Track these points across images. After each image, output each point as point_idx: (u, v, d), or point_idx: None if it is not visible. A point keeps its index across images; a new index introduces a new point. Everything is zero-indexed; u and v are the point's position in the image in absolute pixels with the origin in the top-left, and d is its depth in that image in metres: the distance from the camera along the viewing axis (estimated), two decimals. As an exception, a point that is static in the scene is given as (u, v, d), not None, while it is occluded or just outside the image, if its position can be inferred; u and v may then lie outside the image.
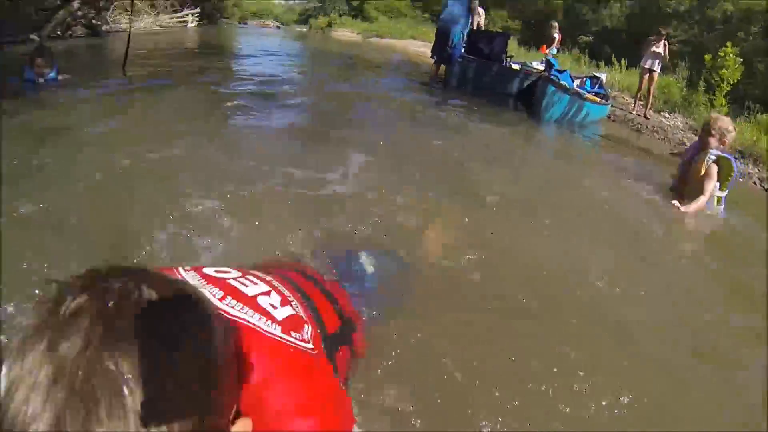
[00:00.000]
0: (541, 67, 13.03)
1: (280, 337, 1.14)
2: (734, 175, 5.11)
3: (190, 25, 36.78)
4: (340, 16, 55.09)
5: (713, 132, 5.23)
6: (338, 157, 5.38)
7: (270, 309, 1.19)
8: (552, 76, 10.77)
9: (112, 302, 0.72)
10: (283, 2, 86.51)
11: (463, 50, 12.15)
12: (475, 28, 12.42)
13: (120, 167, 4.83)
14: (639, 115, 13.89)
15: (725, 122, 5.23)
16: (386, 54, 21.74)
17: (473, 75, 11.69)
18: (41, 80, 8.31)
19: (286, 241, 3.56)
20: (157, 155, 5.17)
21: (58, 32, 21.34)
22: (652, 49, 13.29)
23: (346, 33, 42.60)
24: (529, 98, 10.47)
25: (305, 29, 54.11)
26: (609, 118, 13.27)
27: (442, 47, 12.36)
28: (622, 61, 21.38)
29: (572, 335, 3.08)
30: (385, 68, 15.45)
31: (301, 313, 1.30)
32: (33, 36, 19.69)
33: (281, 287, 1.34)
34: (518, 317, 3.18)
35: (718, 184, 5.15)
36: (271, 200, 4.36)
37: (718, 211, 5.31)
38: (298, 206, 4.27)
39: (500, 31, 28.31)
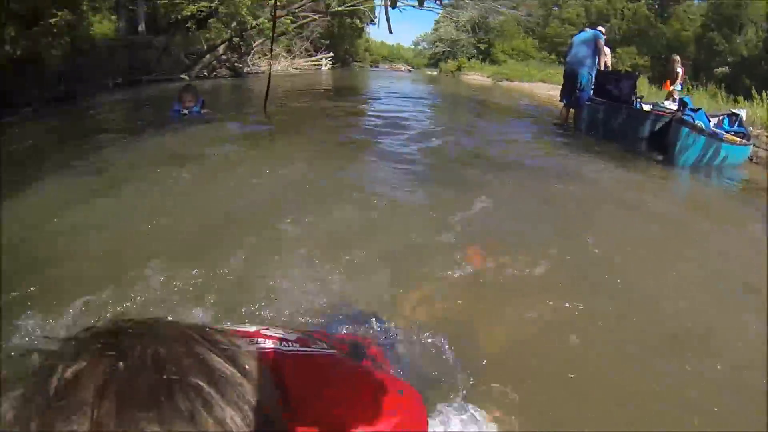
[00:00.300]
0: (674, 107, 11.93)
1: (304, 351, 1.02)
2: None
3: (324, 68, 38.70)
4: (468, 59, 55.71)
5: None
6: (461, 200, 5.26)
7: (281, 334, 1.04)
8: (685, 116, 9.79)
9: (122, 365, 0.55)
10: (412, 47, 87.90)
11: (591, 93, 11.64)
12: (602, 68, 11.89)
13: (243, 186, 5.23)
14: None
15: None
16: (515, 98, 21.26)
17: (602, 119, 10.98)
18: (186, 112, 9.14)
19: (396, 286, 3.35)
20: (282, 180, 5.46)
21: (205, 73, 23.72)
22: None
23: (476, 76, 42.84)
24: (661, 142, 9.49)
25: (435, 72, 54.73)
26: (751, 160, 11.94)
27: (570, 90, 12.06)
28: (764, 94, 19.50)
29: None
30: (514, 112, 15.00)
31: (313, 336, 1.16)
32: (183, 76, 21.85)
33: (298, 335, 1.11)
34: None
35: None
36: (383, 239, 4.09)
37: None
38: (405, 251, 3.95)
39: (629, 70, 27.41)
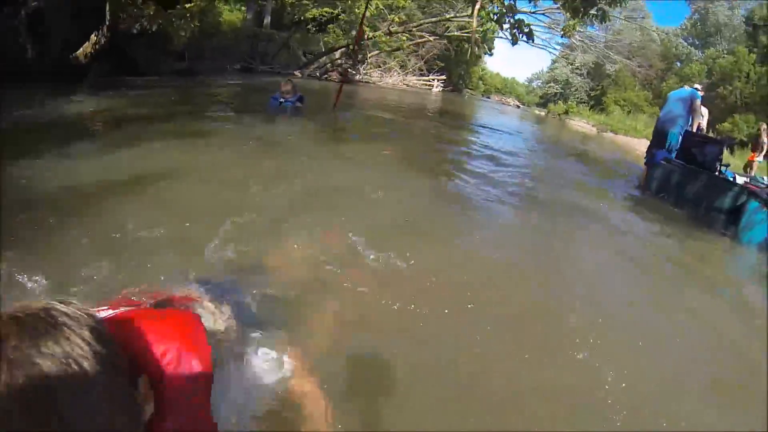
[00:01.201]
0: (741, 180, 11.46)
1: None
2: None
3: (434, 89, 39.29)
4: (577, 104, 55.33)
5: None
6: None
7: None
8: None
9: None
10: (526, 83, 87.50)
11: (671, 154, 10.71)
12: (694, 129, 10.99)
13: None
14: None
15: None
16: (616, 153, 20.48)
17: (677, 182, 9.95)
18: (282, 101, 9.91)
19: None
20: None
21: (317, 74, 24.77)
22: None
23: (582, 123, 42.18)
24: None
25: (543, 113, 54.35)
26: None
27: (658, 149, 11.10)
28: None
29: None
30: (607, 168, 14.38)
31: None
32: (296, 72, 23.03)
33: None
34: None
35: None
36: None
37: None
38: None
39: (743, 139, 26.28)
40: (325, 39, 26.98)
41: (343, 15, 23.93)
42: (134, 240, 3.38)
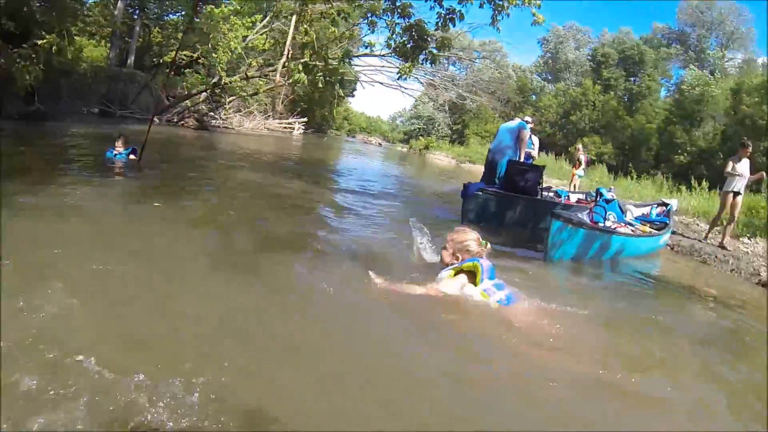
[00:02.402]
0: (575, 197, 13.08)
1: None
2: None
3: (296, 132, 39.48)
4: (438, 139, 58.04)
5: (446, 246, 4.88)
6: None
7: None
8: (598, 207, 10.01)
9: None
10: (390, 121, 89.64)
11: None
12: (521, 159, 11.21)
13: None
14: (714, 245, 12.28)
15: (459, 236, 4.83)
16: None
17: (494, 209, 10.25)
18: (115, 154, 9.96)
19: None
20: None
21: (174, 119, 24.09)
22: (734, 169, 11.77)
23: (442, 156, 43.98)
24: (549, 234, 8.92)
25: (406, 148, 55.93)
26: (672, 248, 11.87)
27: (489, 180, 11.06)
28: (704, 183, 20.56)
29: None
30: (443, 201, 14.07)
31: None
32: (155, 119, 22.16)
33: None
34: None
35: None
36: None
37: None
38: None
39: (593, 158, 28.51)
40: (186, 83, 26.57)
41: (203, 59, 23.79)
42: None
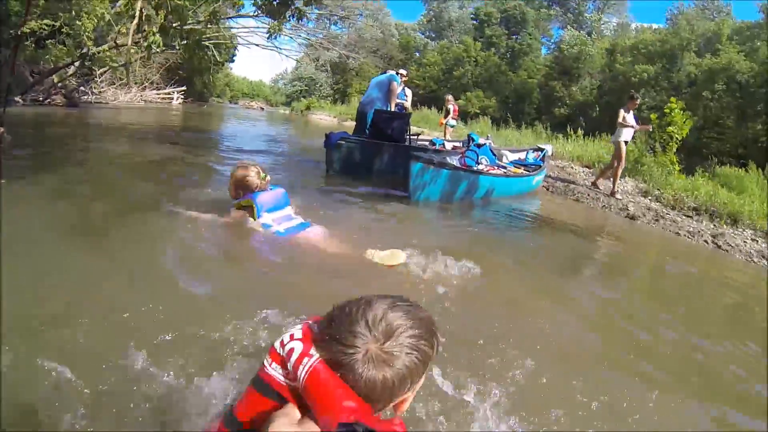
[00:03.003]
0: (451, 145, 13.73)
1: None
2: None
3: (175, 102, 38.32)
4: (319, 99, 58.11)
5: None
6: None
7: None
8: (470, 152, 10.73)
9: None
10: (272, 84, 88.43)
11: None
12: (392, 109, 11.23)
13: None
14: (603, 192, 13.13)
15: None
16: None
17: (360, 158, 10.29)
18: None
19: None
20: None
21: (39, 98, 22.55)
22: (625, 120, 12.69)
23: (323, 116, 44.05)
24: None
25: (288, 111, 55.48)
26: (548, 189, 12.83)
27: (360, 131, 11.30)
28: (579, 131, 23.07)
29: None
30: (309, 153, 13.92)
31: None
32: (17, 99, 20.57)
33: None
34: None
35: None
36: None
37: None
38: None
39: (477, 112, 29.44)
40: (48, 56, 24.81)
41: (66, 28, 22.36)
42: None
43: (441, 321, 1.77)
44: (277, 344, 1.40)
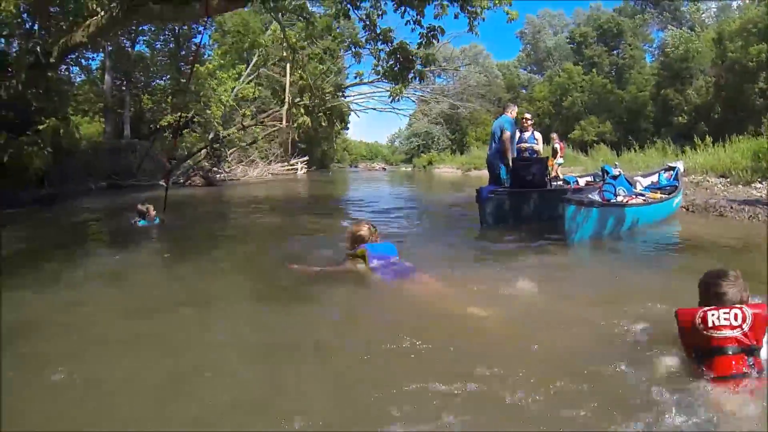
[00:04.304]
0: (584, 180, 13.17)
1: None
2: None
3: (300, 172, 40.11)
4: (439, 153, 58.33)
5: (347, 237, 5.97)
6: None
7: None
8: (606, 185, 10.28)
9: None
10: (389, 144, 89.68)
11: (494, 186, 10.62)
12: (510, 156, 10.81)
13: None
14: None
15: None
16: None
17: (510, 208, 10.25)
18: (148, 222, 9.64)
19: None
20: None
21: (181, 180, 24.65)
22: None
23: (446, 169, 43.92)
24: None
25: (410, 168, 55.80)
26: (687, 209, 12.06)
27: (492, 182, 10.99)
28: (707, 138, 20.67)
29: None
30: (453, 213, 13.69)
31: None
32: (161, 182, 22.69)
33: None
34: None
35: None
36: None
37: None
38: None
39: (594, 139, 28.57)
40: (184, 143, 27.06)
41: (198, 117, 24.22)
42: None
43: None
44: None
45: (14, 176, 13.61)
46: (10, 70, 12.81)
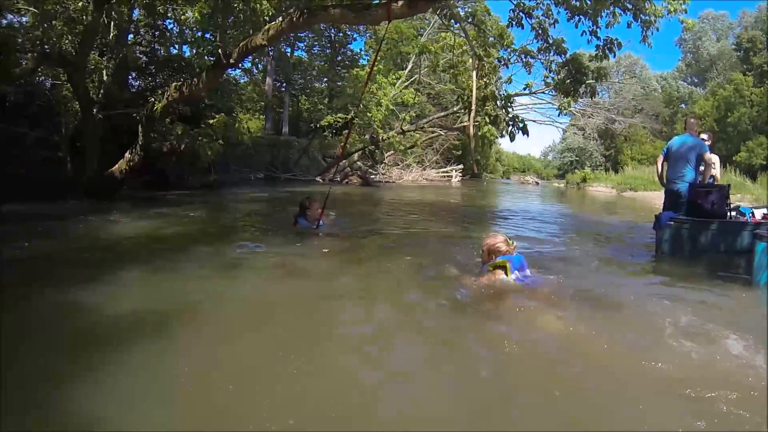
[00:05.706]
0: (760, 213, 11.63)
1: None
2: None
3: (454, 179, 40.48)
4: (593, 170, 55.98)
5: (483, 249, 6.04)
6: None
7: None
8: None
9: None
10: (542, 158, 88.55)
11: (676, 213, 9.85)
12: (706, 181, 10.23)
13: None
14: None
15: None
16: (632, 214, 18.58)
17: (688, 237, 9.43)
18: (318, 223, 8.73)
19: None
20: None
21: (338, 178, 26.29)
22: None
23: (601, 188, 41.95)
24: (756, 256, 7.84)
25: (562, 184, 54.40)
26: None
27: (668, 208, 10.26)
28: None
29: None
30: (621, 236, 12.83)
31: None
32: (317, 178, 25.77)
33: None
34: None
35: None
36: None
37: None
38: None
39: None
40: (341, 143, 28.13)
41: (357, 119, 24.99)
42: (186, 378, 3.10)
43: None
44: None
45: (187, 163, 15.57)
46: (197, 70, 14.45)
